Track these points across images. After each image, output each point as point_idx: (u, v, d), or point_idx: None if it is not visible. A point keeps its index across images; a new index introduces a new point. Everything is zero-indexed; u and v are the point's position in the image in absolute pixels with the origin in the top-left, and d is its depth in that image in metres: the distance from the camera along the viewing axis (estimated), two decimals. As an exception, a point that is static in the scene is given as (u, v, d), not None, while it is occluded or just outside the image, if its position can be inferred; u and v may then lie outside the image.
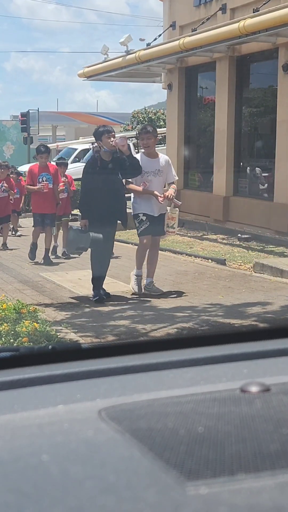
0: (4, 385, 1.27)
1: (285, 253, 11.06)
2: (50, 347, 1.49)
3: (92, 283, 7.96)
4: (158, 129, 29.88)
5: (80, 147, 23.82)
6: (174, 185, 8.38)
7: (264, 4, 12.37)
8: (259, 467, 0.88)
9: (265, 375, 1.29)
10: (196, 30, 14.10)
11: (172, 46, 14.17)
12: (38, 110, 27.54)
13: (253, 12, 12.25)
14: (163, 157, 8.46)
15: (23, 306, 5.77)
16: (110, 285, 8.80)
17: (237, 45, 13.67)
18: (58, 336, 5.43)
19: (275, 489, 0.82)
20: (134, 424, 1.04)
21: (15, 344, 4.73)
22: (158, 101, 45.34)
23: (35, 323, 5.24)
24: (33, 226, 11.36)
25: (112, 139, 7.74)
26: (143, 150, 8.61)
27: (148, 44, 15.89)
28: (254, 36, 12.11)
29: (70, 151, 23.99)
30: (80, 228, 8.02)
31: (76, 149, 23.69)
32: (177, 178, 8.63)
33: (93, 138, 8.33)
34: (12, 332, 5.05)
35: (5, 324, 5.22)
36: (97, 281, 7.94)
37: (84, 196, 8.03)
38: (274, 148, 13.03)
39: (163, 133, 20.94)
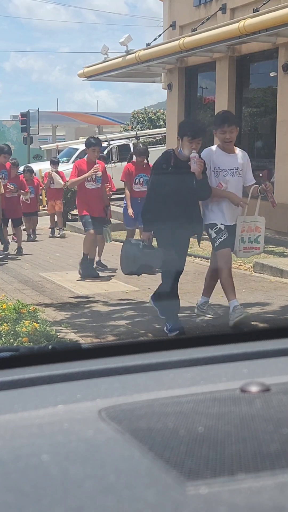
0: (4, 385, 1.27)
1: (285, 253, 11.06)
2: (50, 347, 1.49)
3: (165, 314, 6.35)
4: (158, 129, 29.49)
5: (82, 147, 23.75)
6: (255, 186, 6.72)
7: (264, 4, 12.37)
8: (259, 467, 0.88)
9: (265, 375, 1.29)
10: (196, 30, 14.10)
11: (172, 46, 14.17)
12: (38, 110, 27.54)
13: (253, 12, 12.25)
14: (241, 153, 6.73)
15: (23, 306, 5.78)
16: (110, 285, 8.81)
17: (237, 45, 13.66)
18: (58, 336, 5.43)
19: (275, 489, 0.82)
20: (134, 424, 1.04)
21: (15, 344, 4.73)
22: (158, 101, 45.41)
23: (35, 323, 5.24)
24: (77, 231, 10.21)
25: (194, 147, 6.14)
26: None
27: (148, 44, 15.90)
28: (254, 36, 12.11)
29: (71, 151, 23.93)
30: (142, 242, 6.43)
31: (77, 149, 23.57)
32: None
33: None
34: (12, 332, 5.06)
35: (5, 324, 5.23)
36: (174, 308, 6.34)
37: (151, 201, 6.35)
38: (274, 148, 13.03)
39: (163, 133, 20.96)
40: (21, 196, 12.91)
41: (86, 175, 9.32)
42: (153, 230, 6.30)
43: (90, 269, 9.37)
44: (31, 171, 14.82)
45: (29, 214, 13.95)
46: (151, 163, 9.82)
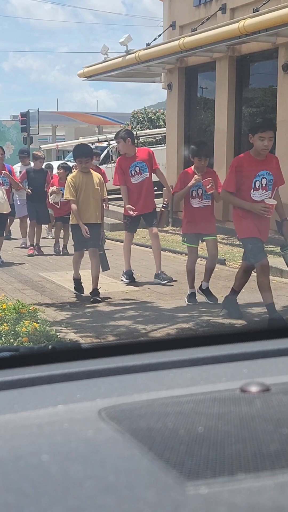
0: (4, 385, 1.27)
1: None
2: (50, 347, 1.49)
3: None
4: (158, 129, 29.29)
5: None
6: None
7: (264, 4, 12.37)
8: (259, 467, 0.88)
9: (265, 375, 1.29)
10: (196, 30, 14.10)
11: (172, 46, 14.17)
12: (38, 110, 27.55)
13: (253, 12, 12.25)
14: None
15: (23, 306, 5.78)
16: (110, 285, 8.80)
17: (237, 45, 13.67)
18: (58, 336, 5.43)
19: (275, 489, 0.82)
20: (134, 424, 1.04)
21: (15, 344, 4.73)
22: (158, 101, 45.44)
23: (35, 323, 5.24)
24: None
25: None
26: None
27: (148, 44, 15.90)
28: (254, 36, 12.11)
29: None
30: None
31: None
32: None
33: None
34: (12, 332, 5.06)
35: (5, 324, 5.23)
36: None
37: None
38: (274, 148, 13.02)
39: (163, 133, 20.94)
40: (50, 198, 11.62)
41: (190, 184, 7.46)
42: None
43: (191, 298, 7.66)
44: (67, 168, 12.40)
45: (61, 219, 11.89)
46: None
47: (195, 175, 7.46)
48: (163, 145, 19.34)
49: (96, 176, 8.10)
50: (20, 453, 0.96)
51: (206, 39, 13.03)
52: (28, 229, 12.25)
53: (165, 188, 9.16)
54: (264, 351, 1.44)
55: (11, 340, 4.91)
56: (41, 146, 30.50)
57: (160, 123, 28.36)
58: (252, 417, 1.04)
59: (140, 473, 0.88)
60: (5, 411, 1.14)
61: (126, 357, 1.42)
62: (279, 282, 9.01)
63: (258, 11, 12.09)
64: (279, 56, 12.69)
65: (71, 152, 24.06)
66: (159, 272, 8.79)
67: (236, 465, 0.88)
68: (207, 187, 7.41)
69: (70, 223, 8.22)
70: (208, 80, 15.81)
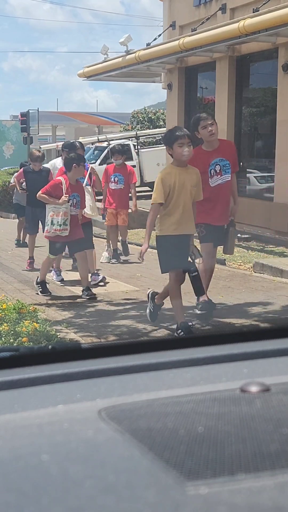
0: (4, 385, 1.27)
1: (285, 253, 11.06)
2: (50, 347, 1.49)
3: None
4: (158, 129, 29.23)
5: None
6: None
7: (264, 4, 12.37)
8: (259, 467, 0.88)
9: (265, 375, 1.29)
10: (196, 30, 14.11)
11: (172, 46, 14.18)
12: (38, 110, 27.55)
13: (253, 12, 12.25)
14: None
15: (23, 306, 5.78)
16: (110, 285, 8.80)
17: (237, 45, 13.67)
18: (58, 336, 5.43)
19: (275, 489, 0.82)
20: (134, 424, 1.04)
21: (15, 344, 4.73)
22: (158, 101, 45.46)
23: (35, 323, 5.24)
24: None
25: None
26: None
27: (148, 44, 15.90)
28: (254, 36, 12.11)
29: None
30: None
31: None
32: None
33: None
34: (12, 332, 5.06)
35: (5, 324, 5.22)
36: None
37: None
38: (274, 148, 13.03)
39: (163, 133, 20.94)
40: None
41: None
42: None
43: None
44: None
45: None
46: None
47: None
48: (163, 145, 19.32)
49: (194, 172, 6.36)
50: (20, 453, 0.96)
51: (206, 39, 13.04)
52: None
53: (235, 203, 7.04)
54: (264, 351, 1.44)
55: (11, 340, 4.90)
56: (41, 146, 30.50)
57: (160, 123, 28.38)
58: (252, 417, 1.04)
59: (140, 473, 0.88)
60: (5, 411, 1.14)
61: (126, 357, 1.42)
62: (279, 282, 9.00)
63: (258, 11, 12.09)
64: (279, 56, 12.70)
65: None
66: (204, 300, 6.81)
67: (236, 465, 0.88)
68: None
69: (156, 234, 6.44)
70: (208, 80, 15.81)
